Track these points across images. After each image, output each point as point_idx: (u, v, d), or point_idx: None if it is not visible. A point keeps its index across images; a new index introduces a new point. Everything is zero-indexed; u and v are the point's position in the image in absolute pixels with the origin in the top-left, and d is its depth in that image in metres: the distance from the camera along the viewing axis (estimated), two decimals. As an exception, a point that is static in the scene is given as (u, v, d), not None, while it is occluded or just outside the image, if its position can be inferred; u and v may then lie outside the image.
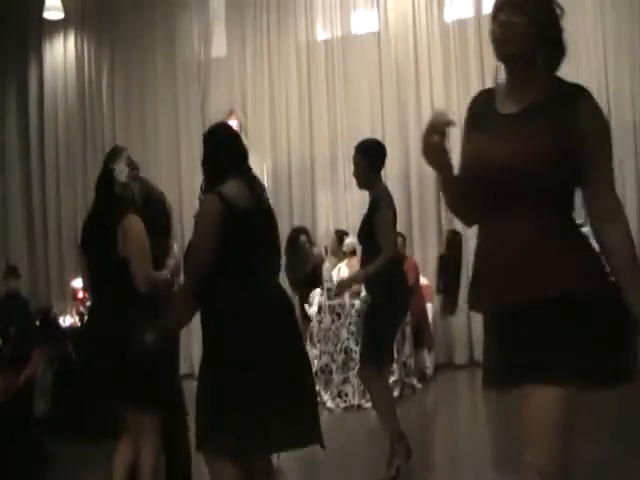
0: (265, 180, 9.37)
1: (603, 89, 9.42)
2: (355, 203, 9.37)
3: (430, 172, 2.72)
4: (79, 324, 7.90)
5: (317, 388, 7.91)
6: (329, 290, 8.24)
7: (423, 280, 9.14)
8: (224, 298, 3.51)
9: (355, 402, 7.65)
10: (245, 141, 10.28)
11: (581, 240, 2.44)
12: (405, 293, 5.46)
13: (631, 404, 6.03)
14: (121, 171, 4.06)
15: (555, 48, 2.43)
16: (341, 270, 8.34)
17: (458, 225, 2.96)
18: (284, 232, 9.07)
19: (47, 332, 7.48)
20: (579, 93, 2.41)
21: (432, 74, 10.06)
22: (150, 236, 4.01)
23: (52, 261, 11.60)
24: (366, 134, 7.54)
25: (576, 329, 2.32)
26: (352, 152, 5.39)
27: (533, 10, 2.37)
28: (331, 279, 8.33)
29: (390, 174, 8.67)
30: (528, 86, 2.43)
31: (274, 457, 5.35)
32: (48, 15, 11.02)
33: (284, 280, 8.35)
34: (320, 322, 8.09)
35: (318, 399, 7.65)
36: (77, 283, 8.13)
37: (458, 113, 7.74)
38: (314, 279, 8.80)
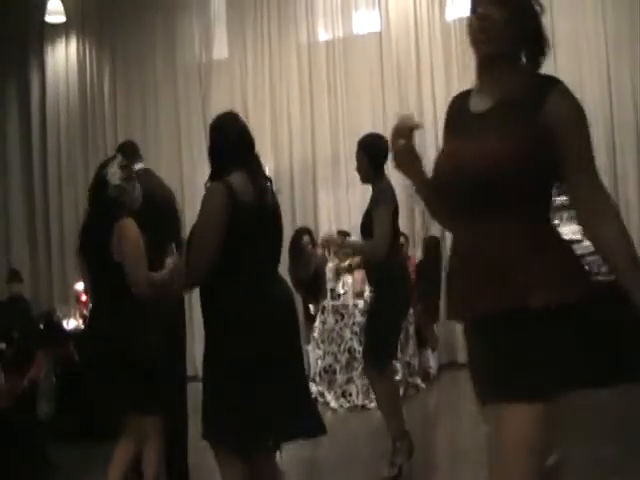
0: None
1: (605, 88, 9.43)
2: (357, 204, 9.35)
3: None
4: (82, 327, 7.90)
5: (321, 388, 7.92)
6: (332, 290, 8.25)
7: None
8: (226, 294, 3.49)
9: (359, 402, 7.65)
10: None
11: (556, 242, 2.31)
12: (407, 292, 5.46)
13: (631, 403, 6.02)
14: (114, 174, 4.05)
15: (536, 44, 2.33)
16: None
17: (437, 230, 2.90)
18: (286, 233, 9.02)
19: (50, 335, 7.48)
20: (549, 85, 2.27)
21: (434, 74, 10.05)
22: (150, 236, 4.01)
23: (54, 264, 11.60)
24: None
25: (546, 340, 2.16)
26: (354, 153, 5.39)
27: (513, 5, 2.28)
28: (334, 280, 8.34)
29: (392, 175, 8.65)
30: (500, 83, 2.32)
31: (278, 456, 5.37)
32: (50, 19, 11.04)
33: (285, 280, 8.36)
34: (323, 322, 8.09)
35: (321, 399, 7.77)
36: (80, 286, 8.13)
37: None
38: (317, 280, 8.80)
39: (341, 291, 8.20)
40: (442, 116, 2.59)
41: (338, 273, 8.50)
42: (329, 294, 8.27)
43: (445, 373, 9.31)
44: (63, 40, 11.88)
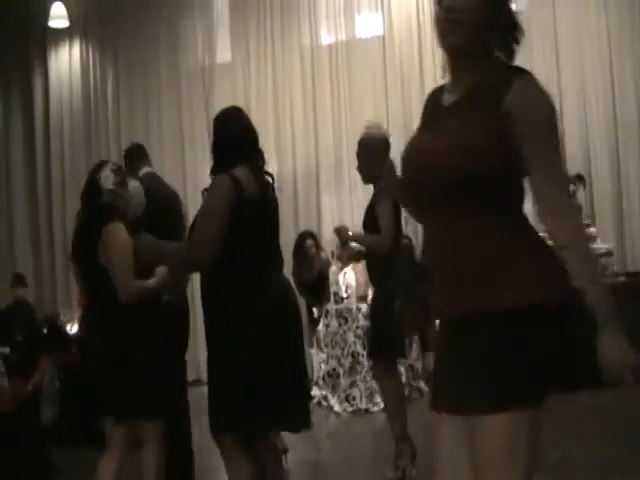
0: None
1: (608, 87, 9.43)
2: (360, 207, 9.32)
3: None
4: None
5: (324, 392, 7.92)
6: (336, 294, 8.25)
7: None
8: (227, 288, 3.48)
9: (362, 406, 7.64)
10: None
11: (524, 242, 2.13)
12: (410, 287, 5.43)
13: (631, 403, 6.01)
14: (106, 178, 4.03)
15: (508, 33, 2.17)
16: (347, 274, 8.33)
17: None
18: (290, 236, 9.08)
19: (54, 340, 7.49)
20: (517, 74, 2.12)
21: (437, 77, 10.00)
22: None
23: (58, 269, 11.59)
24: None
25: (518, 343, 2.02)
26: (357, 154, 5.39)
27: None
28: (337, 283, 8.33)
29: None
30: (470, 74, 2.18)
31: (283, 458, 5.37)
32: (53, 23, 11.07)
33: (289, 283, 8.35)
34: (327, 326, 8.09)
35: (325, 403, 7.77)
36: (84, 290, 8.14)
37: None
38: (320, 283, 8.80)
39: (344, 295, 8.20)
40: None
41: (342, 265, 8.48)
42: (332, 298, 8.27)
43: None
44: (66, 44, 11.88)
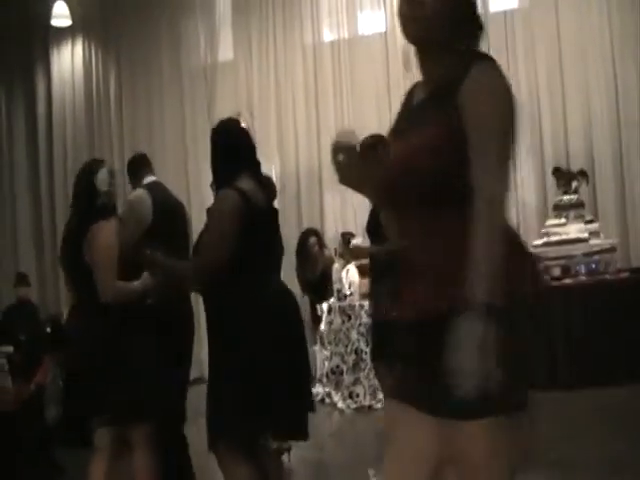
0: (273, 183, 9.37)
1: (611, 86, 9.41)
2: (362, 205, 9.32)
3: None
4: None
5: (328, 389, 7.93)
6: (339, 291, 8.24)
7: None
8: (235, 298, 3.46)
9: (366, 403, 7.64)
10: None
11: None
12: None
13: (637, 402, 6.01)
14: (103, 180, 4.01)
15: (469, 26, 2.12)
16: (350, 272, 8.32)
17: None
18: (293, 235, 9.09)
19: (57, 339, 7.48)
20: (473, 64, 2.02)
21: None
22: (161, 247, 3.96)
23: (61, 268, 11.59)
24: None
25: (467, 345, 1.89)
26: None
27: None
28: (340, 280, 8.33)
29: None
30: (434, 68, 2.13)
31: (285, 457, 5.37)
32: (55, 23, 11.08)
33: (293, 281, 8.36)
34: (330, 323, 8.09)
35: (329, 400, 7.77)
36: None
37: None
38: (324, 281, 8.80)
39: (347, 292, 8.19)
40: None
41: (345, 262, 8.45)
42: (335, 295, 8.27)
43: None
44: (68, 44, 11.89)
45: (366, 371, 7.49)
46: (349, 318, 7.89)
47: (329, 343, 8.06)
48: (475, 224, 1.93)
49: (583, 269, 8.05)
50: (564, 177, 8.70)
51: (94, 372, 3.84)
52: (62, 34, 11.68)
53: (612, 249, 8.20)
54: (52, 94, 11.97)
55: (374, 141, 3.70)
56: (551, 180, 9.09)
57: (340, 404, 7.72)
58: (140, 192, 4.78)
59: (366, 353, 7.41)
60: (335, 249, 9.41)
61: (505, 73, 2.05)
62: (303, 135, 10.68)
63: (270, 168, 10.03)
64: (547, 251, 8.16)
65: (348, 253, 8.74)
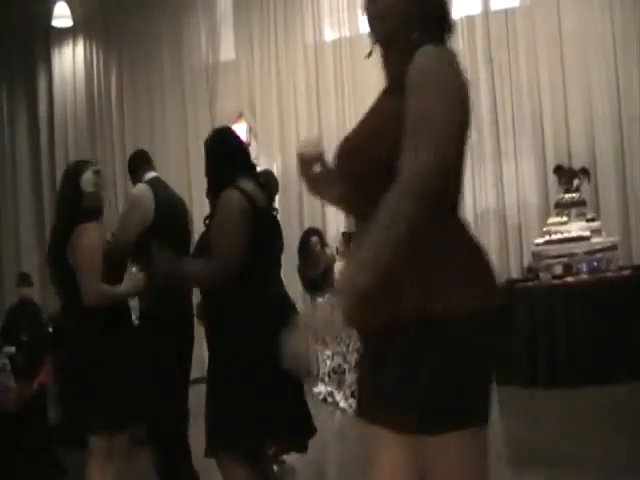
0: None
1: (613, 85, 9.40)
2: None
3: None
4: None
5: (330, 388, 7.93)
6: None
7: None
8: (235, 297, 3.43)
9: (368, 402, 7.63)
10: (255, 144, 10.22)
11: (444, 246, 1.90)
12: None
13: (638, 401, 6.01)
14: (88, 181, 3.99)
15: (436, 23, 2.05)
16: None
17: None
18: (294, 234, 9.09)
19: (60, 339, 7.48)
20: (418, 49, 1.95)
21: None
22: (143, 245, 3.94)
23: (65, 268, 11.60)
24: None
25: (420, 362, 1.86)
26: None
27: None
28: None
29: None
30: (393, 65, 2.09)
31: (285, 457, 5.36)
32: (56, 23, 11.09)
33: (295, 279, 8.36)
34: (332, 322, 8.09)
35: (331, 399, 7.76)
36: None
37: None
38: (326, 280, 8.79)
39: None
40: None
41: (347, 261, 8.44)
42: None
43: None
44: (70, 44, 11.89)
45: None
46: (351, 317, 7.89)
47: (331, 342, 8.05)
48: (381, 204, 1.81)
49: (585, 267, 8.05)
50: (566, 175, 8.70)
51: (79, 374, 3.83)
52: (63, 34, 11.69)
53: (614, 247, 8.20)
54: (54, 94, 11.97)
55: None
56: (553, 178, 9.09)
57: (342, 403, 7.71)
58: (142, 187, 4.77)
59: (368, 352, 7.41)
60: (337, 248, 9.41)
61: (453, 57, 1.98)
62: (305, 134, 10.66)
63: (272, 167, 10.04)
64: (549, 249, 8.16)
65: (349, 252, 8.75)
